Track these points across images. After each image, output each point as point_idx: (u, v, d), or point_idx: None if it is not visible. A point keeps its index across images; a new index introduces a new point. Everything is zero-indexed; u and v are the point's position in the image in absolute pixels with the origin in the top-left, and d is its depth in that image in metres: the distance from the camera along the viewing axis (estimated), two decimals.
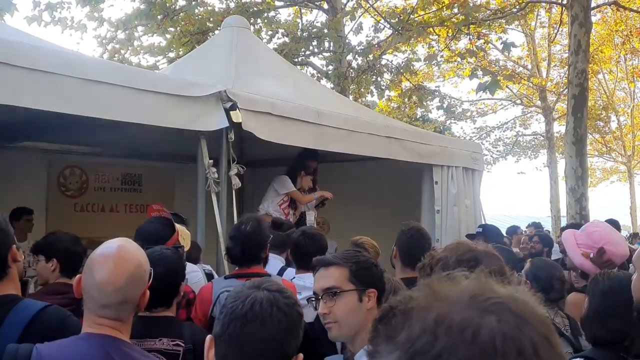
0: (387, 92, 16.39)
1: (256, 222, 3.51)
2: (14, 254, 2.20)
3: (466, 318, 0.68)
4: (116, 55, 13.75)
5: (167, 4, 12.80)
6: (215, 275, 3.88)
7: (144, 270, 1.88)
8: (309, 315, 3.58)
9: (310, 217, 6.07)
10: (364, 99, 16.21)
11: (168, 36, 14.01)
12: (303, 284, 3.55)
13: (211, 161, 4.09)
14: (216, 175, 4.08)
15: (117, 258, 1.83)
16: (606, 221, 6.76)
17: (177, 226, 3.39)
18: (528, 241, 7.41)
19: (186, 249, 3.35)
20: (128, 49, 14.19)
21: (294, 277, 3.68)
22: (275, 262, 3.96)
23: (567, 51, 12.65)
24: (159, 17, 12.83)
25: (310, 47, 14.40)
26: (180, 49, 13.62)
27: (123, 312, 1.83)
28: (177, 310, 2.77)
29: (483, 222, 6.76)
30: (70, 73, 3.23)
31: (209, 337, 1.52)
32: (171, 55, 14.21)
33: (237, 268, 3.42)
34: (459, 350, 0.66)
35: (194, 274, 3.54)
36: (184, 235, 3.39)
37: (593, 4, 11.90)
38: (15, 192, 5.47)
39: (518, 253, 6.99)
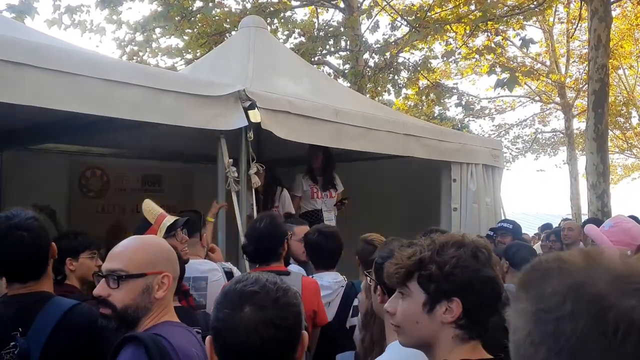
0: (404, 90, 16.29)
1: (270, 218, 3.52)
2: (53, 252, 2.29)
3: (600, 294, 0.69)
4: (135, 57, 13.85)
5: (185, 6, 12.86)
6: (236, 273, 3.89)
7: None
8: (328, 316, 3.58)
9: (330, 216, 6.03)
10: (381, 97, 16.15)
11: (186, 38, 14.07)
12: (321, 283, 3.54)
13: (231, 160, 4.11)
14: (236, 174, 4.11)
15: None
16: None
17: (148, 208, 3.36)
18: (546, 240, 7.35)
19: (149, 218, 3.30)
20: (146, 51, 14.28)
21: (311, 276, 3.68)
22: None
23: (586, 47, 12.50)
24: (176, 19, 12.90)
25: (327, 46, 14.37)
26: (198, 50, 13.68)
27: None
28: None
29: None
30: (91, 74, 3.26)
31: (208, 338, 1.48)
32: (189, 56, 14.27)
33: (257, 266, 3.44)
34: (580, 320, 0.68)
35: (213, 273, 3.55)
36: (148, 208, 3.36)
37: None
38: (37, 194, 5.51)
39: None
